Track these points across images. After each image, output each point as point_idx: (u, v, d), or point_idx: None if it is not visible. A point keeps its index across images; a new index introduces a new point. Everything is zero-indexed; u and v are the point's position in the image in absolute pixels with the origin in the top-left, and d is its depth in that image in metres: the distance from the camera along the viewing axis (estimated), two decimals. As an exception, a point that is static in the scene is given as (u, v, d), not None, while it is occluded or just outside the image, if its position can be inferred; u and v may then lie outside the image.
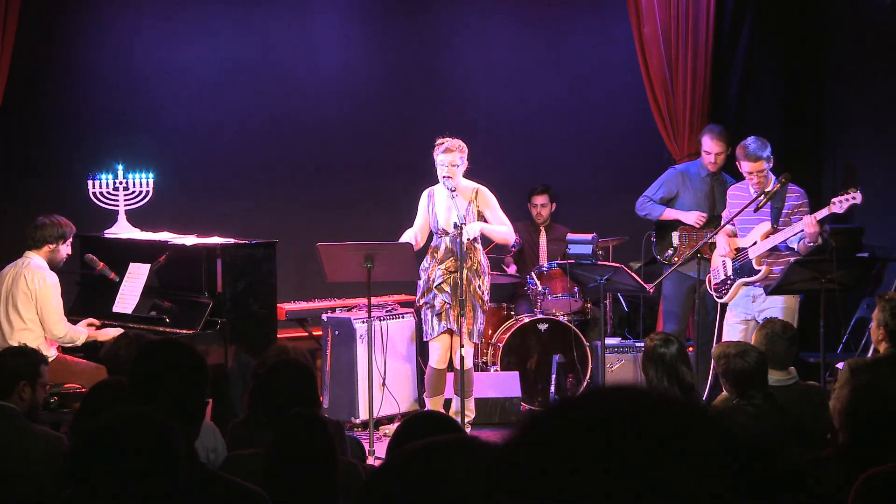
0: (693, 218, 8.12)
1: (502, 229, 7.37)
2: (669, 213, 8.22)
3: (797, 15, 9.43)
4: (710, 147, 8.08)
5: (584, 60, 9.75)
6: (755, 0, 9.44)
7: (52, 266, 6.89)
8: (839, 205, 6.88)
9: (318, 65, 9.45)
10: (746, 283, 7.28)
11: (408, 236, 7.32)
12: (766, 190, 7.14)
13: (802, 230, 6.95)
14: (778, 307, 7.13)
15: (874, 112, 8.78)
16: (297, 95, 9.39)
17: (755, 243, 7.21)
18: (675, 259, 8.07)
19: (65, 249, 6.92)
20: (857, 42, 9.06)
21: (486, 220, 7.33)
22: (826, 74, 9.42)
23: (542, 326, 8.45)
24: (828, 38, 9.38)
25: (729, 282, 7.36)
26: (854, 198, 6.85)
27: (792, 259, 7.04)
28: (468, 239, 7.17)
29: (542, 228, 9.26)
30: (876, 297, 6.01)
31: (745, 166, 7.19)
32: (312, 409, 3.89)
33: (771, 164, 7.21)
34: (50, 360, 6.74)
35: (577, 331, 8.40)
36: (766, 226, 7.17)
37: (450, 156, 7.24)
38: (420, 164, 7.61)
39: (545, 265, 8.69)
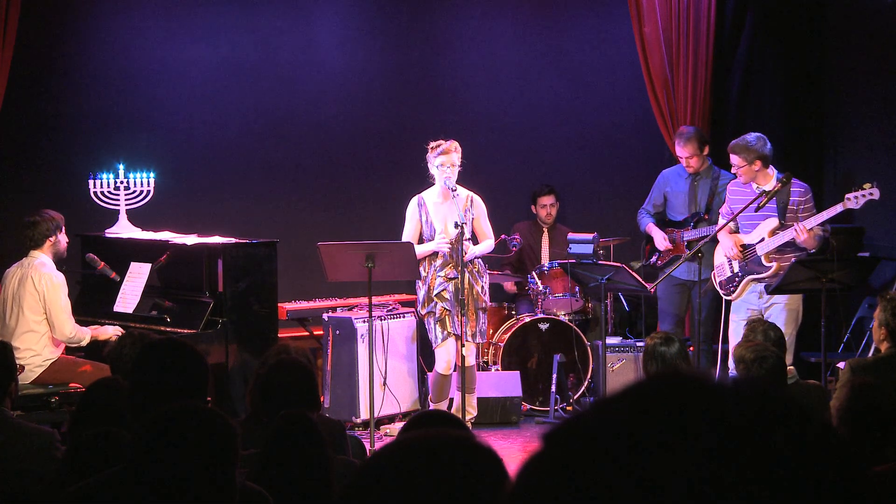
0: (659, 238, 8.20)
1: (487, 244, 7.56)
2: (650, 229, 8.36)
3: (798, 14, 9.43)
4: (679, 152, 8.25)
5: (585, 60, 9.74)
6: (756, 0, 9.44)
7: (58, 258, 6.90)
8: (854, 201, 6.83)
9: (318, 65, 9.44)
10: (756, 280, 7.26)
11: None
12: (766, 189, 7.14)
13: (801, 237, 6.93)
14: (782, 301, 7.13)
15: (875, 111, 8.78)
16: (298, 95, 9.38)
17: (762, 239, 7.20)
18: (659, 262, 8.23)
19: (63, 238, 6.93)
20: (857, 41, 9.06)
21: (476, 228, 7.47)
22: (827, 73, 9.42)
23: (543, 326, 8.45)
24: (828, 37, 9.38)
25: (736, 279, 7.34)
26: (871, 193, 6.80)
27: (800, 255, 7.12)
28: (467, 239, 7.20)
29: (546, 230, 9.25)
30: (877, 296, 6.00)
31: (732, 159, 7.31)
32: (302, 409, 3.88)
33: (755, 165, 7.20)
34: (52, 360, 6.76)
35: (578, 330, 8.40)
36: (774, 221, 7.15)
37: (448, 157, 7.27)
38: (420, 165, 7.61)
39: (546, 265, 8.68)
